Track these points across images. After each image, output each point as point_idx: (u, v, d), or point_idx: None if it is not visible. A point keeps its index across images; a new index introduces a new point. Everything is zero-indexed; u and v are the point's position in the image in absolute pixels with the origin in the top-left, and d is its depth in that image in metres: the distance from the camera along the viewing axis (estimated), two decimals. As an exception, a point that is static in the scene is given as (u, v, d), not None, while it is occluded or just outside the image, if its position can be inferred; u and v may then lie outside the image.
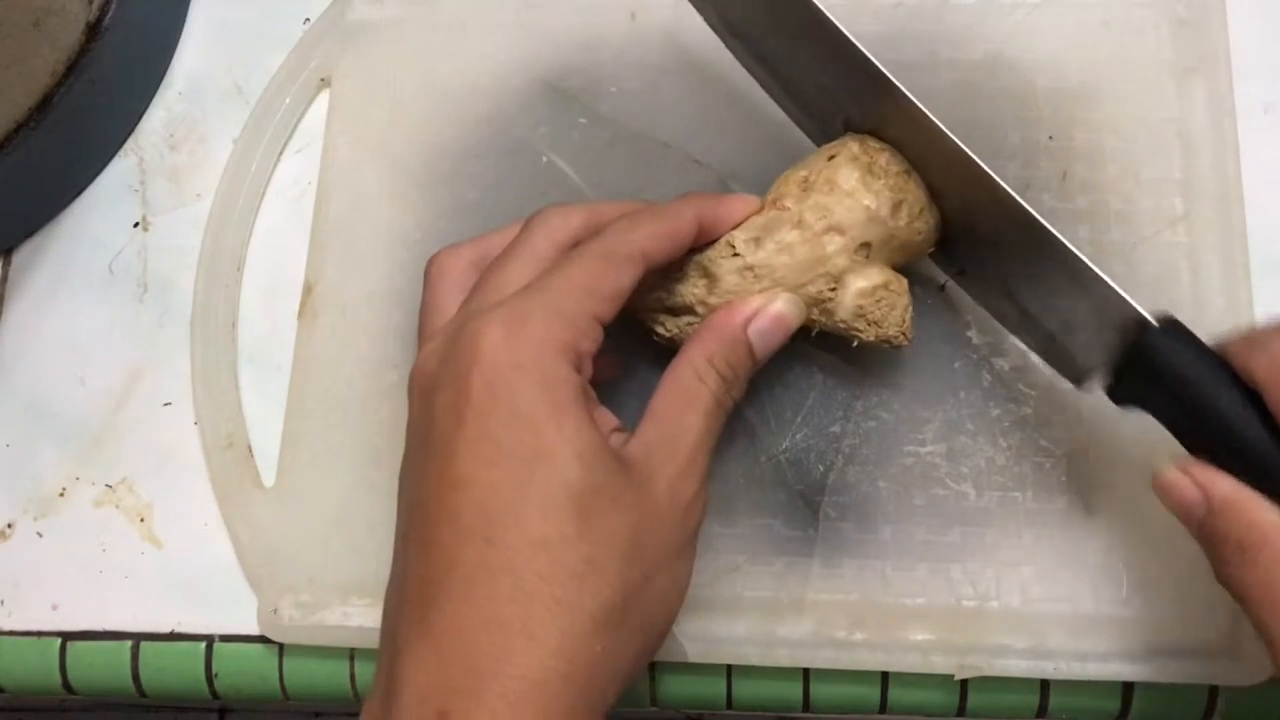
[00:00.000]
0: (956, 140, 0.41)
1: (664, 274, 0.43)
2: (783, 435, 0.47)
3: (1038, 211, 0.49)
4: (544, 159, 0.52)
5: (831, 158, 0.43)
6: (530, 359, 0.36)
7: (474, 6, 0.55)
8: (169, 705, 0.65)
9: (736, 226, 0.43)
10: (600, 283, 0.39)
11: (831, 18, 0.42)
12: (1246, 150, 0.50)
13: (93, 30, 0.53)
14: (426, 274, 0.43)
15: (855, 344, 0.44)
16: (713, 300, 0.43)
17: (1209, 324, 0.47)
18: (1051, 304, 0.42)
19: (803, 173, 0.43)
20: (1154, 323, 0.39)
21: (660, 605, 0.38)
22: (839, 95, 0.44)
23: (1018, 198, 0.40)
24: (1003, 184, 0.40)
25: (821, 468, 0.47)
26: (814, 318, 0.43)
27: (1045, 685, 0.46)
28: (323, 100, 0.56)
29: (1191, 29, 0.51)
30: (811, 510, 0.47)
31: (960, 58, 0.52)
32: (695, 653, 0.46)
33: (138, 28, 0.55)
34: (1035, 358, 0.46)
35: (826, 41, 0.42)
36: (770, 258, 0.42)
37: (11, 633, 0.50)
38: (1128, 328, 0.39)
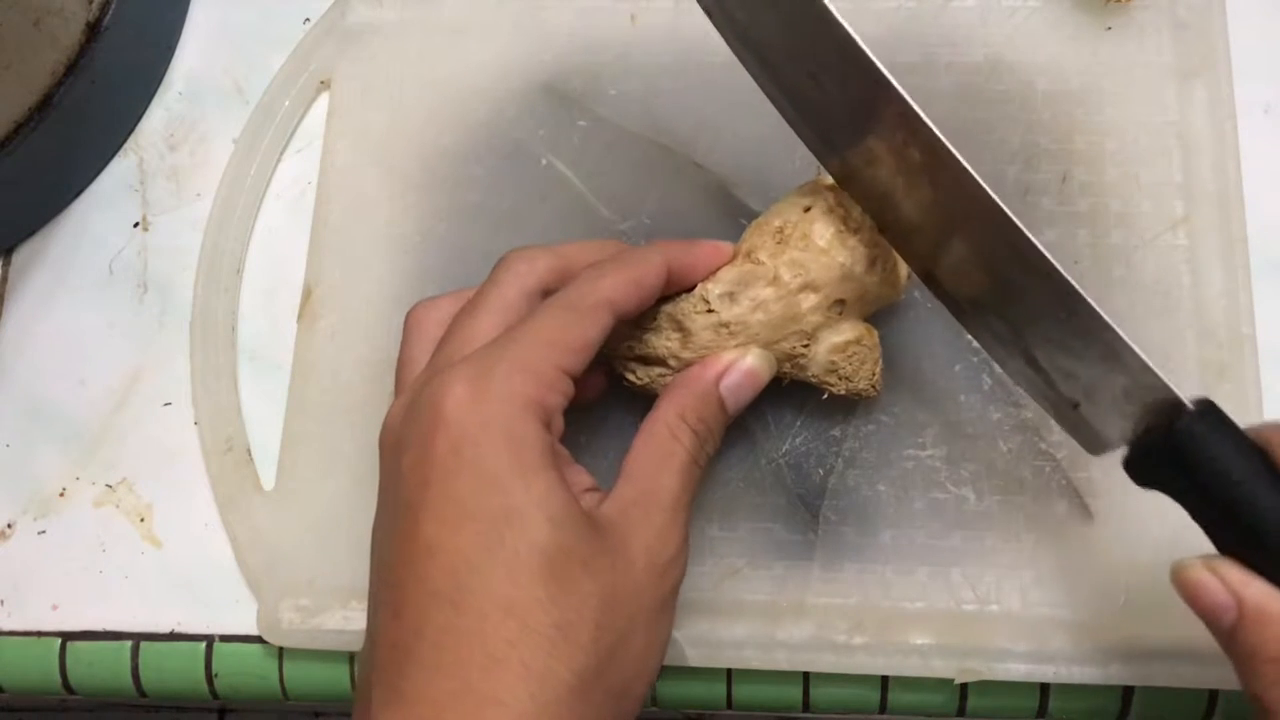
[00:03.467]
0: (990, 193, 0.37)
1: (636, 323, 0.43)
2: (782, 439, 0.47)
3: (1034, 212, 0.49)
4: (544, 161, 0.52)
5: (807, 209, 0.43)
6: (495, 417, 0.35)
7: (474, 9, 0.55)
8: (169, 705, 0.65)
9: (708, 276, 0.43)
10: (566, 335, 0.38)
11: (850, 29, 0.39)
12: (1247, 152, 0.50)
13: (93, 30, 0.53)
14: (405, 325, 0.43)
15: (825, 396, 0.45)
16: (686, 355, 0.42)
17: (1210, 325, 0.47)
18: (1075, 372, 0.39)
19: (777, 222, 0.43)
20: (1189, 406, 0.36)
21: (636, 668, 0.37)
22: (850, 116, 0.41)
23: (1050, 258, 0.36)
24: (1037, 243, 0.36)
25: (821, 471, 0.47)
26: (785, 371, 0.44)
27: (1045, 688, 0.46)
28: (323, 101, 0.56)
29: (1191, 31, 0.51)
30: (811, 514, 0.47)
31: (960, 60, 0.52)
32: (696, 656, 0.46)
33: (138, 28, 0.55)
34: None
35: (844, 59, 0.40)
36: (745, 314, 0.42)
37: (11, 633, 0.50)
38: (1159, 409, 0.37)
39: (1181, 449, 0.36)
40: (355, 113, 0.54)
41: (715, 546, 0.47)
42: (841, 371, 0.43)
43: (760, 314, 0.42)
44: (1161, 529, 0.45)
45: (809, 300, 0.42)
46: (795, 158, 0.50)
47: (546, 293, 0.41)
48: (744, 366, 0.42)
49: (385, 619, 0.36)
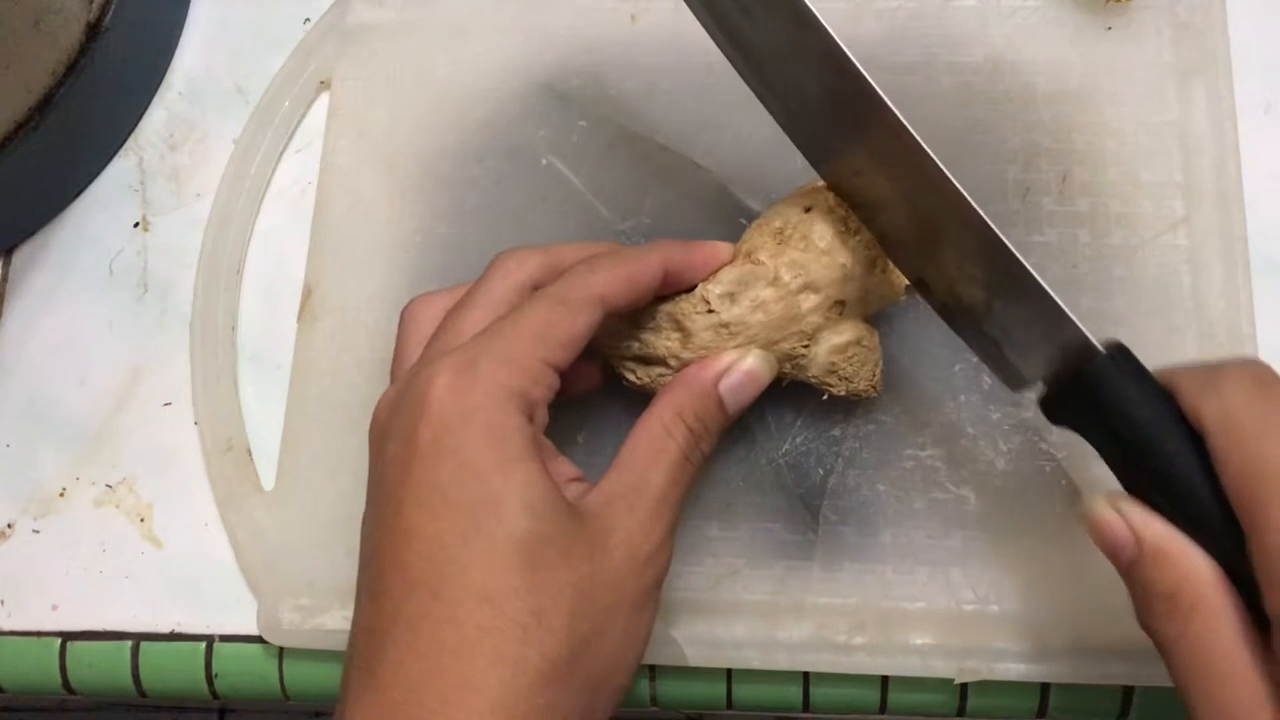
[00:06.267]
0: (916, 136, 0.37)
1: (635, 322, 0.43)
2: (782, 439, 0.47)
3: (1034, 212, 0.50)
4: (544, 161, 0.52)
5: (808, 210, 0.43)
6: (477, 407, 0.36)
7: (474, 9, 0.55)
8: (169, 705, 0.65)
9: (708, 276, 0.43)
10: (553, 328, 0.38)
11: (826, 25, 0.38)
12: (1247, 151, 0.50)
13: (93, 30, 0.53)
14: (400, 320, 0.43)
15: (825, 396, 0.45)
16: (686, 355, 0.42)
17: (1210, 325, 0.47)
18: (995, 310, 0.40)
19: (777, 223, 0.43)
20: (1100, 349, 0.37)
21: (612, 660, 0.37)
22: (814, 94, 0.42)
23: (972, 202, 0.37)
24: (960, 188, 0.37)
25: (821, 471, 0.47)
26: (785, 371, 0.43)
27: (1045, 688, 0.46)
28: (323, 101, 0.56)
29: (1192, 31, 0.51)
30: (811, 514, 0.47)
31: (961, 60, 0.52)
32: (695, 656, 0.46)
33: (138, 28, 0.55)
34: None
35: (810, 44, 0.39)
36: (745, 315, 0.42)
37: (11, 633, 0.50)
38: (1073, 351, 0.38)
39: (1092, 391, 0.37)
40: (355, 113, 0.54)
41: (715, 546, 0.47)
42: (841, 372, 0.43)
43: (760, 314, 0.42)
44: (1161, 529, 0.45)
45: (809, 301, 0.42)
46: (796, 158, 0.50)
47: (537, 288, 0.41)
48: (744, 367, 0.42)
49: (365, 604, 0.37)
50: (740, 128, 0.51)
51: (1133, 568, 0.36)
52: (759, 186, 0.50)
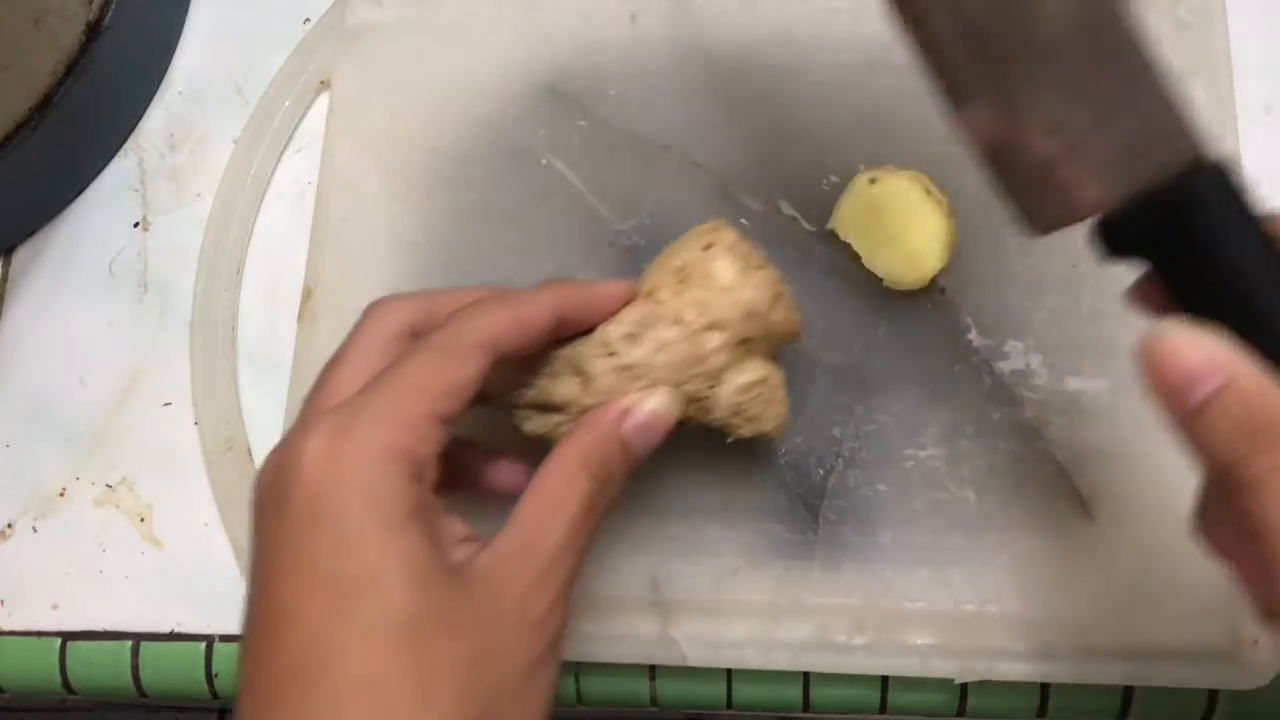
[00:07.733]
0: None
1: (531, 369, 0.41)
2: (782, 439, 0.47)
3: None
4: (544, 162, 0.52)
5: (708, 246, 0.41)
6: (354, 471, 0.33)
7: (474, 9, 0.55)
8: (169, 705, 0.65)
9: (608, 318, 0.41)
10: (437, 379, 0.35)
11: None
12: (1247, 151, 0.49)
13: (93, 30, 0.53)
14: (361, 318, 0.40)
15: (730, 440, 0.43)
16: (587, 400, 0.40)
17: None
18: (1067, 121, 0.33)
19: (677, 262, 0.41)
20: (1210, 165, 0.32)
21: None
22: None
23: None
24: None
25: (821, 471, 0.47)
26: (689, 415, 0.41)
27: (1045, 688, 0.46)
28: (323, 101, 0.55)
29: (1191, 32, 0.51)
30: (811, 514, 0.47)
31: (961, 60, 0.52)
32: (695, 656, 0.46)
33: (138, 28, 0.55)
34: (1036, 359, 0.46)
35: None
36: (648, 356, 0.40)
37: (11, 633, 0.50)
38: (1168, 160, 0.32)
39: (1187, 208, 0.32)
40: (355, 113, 0.54)
41: (715, 546, 0.47)
42: (748, 413, 0.42)
43: (664, 355, 0.40)
44: (1161, 530, 0.45)
45: (713, 340, 0.40)
46: (796, 156, 0.50)
47: (415, 335, 0.39)
48: (649, 407, 0.39)
49: (244, 696, 0.34)
50: (740, 127, 0.51)
51: (1208, 405, 0.30)
52: (759, 186, 0.50)
